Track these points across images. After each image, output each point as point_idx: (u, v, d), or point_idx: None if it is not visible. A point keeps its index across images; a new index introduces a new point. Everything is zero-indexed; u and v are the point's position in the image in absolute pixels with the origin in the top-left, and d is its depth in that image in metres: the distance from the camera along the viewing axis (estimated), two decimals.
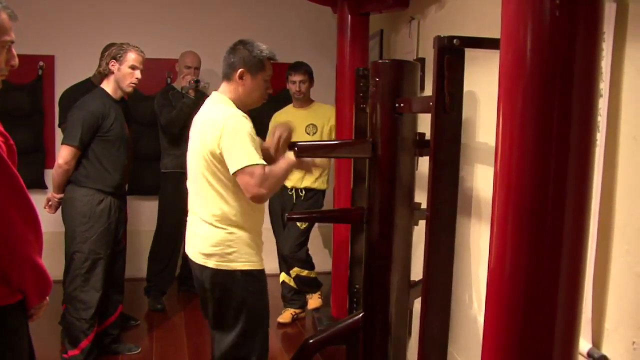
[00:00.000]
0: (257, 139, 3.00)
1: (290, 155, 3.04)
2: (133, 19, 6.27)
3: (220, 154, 2.90)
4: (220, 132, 2.88)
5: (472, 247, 3.31)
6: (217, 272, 3.04)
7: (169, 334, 5.08)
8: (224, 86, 3.11)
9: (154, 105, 5.53)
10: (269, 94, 3.21)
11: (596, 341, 2.22)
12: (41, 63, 6.14)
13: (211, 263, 3.04)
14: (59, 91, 5.91)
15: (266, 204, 5.49)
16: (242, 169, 2.85)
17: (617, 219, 2.12)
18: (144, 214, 6.37)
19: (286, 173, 3.06)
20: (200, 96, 5.31)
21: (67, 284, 4.19)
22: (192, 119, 3.03)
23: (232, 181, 2.94)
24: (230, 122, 2.89)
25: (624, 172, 2.10)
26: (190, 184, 3.15)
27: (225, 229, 3.01)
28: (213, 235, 3.03)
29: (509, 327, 1.74)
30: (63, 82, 5.85)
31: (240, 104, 3.07)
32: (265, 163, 2.91)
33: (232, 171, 2.88)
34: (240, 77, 3.05)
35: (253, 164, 2.85)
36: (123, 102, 4.45)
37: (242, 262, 3.02)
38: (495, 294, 1.78)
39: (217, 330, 3.17)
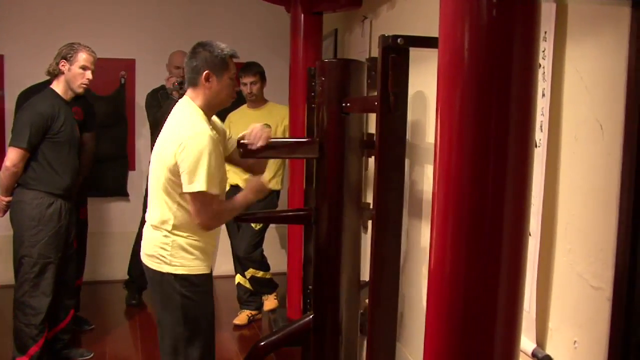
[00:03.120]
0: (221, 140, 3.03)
1: (251, 193, 3.16)
2: (87, 18, 6.16)
3: (176, 165, 2.88)
4: (179, 148, 2.86)
5: (424, 248, 3.30)
6: (154, 273, 3.06)
7: (123, 339, 5.03)
8: (191, 92, 3.05)
9: (107, 106, 5.46)
10: (236, 91, 3.20)
11: (540, 341, 2.22)
12: None
13: (150, 264, 3.07)
14: (9, 92, 5.82)
15: None
16: (195, 193, 2.86)
17: (560, 218, 2.13)
18: (104, 215, 6.32)
19: (241, 207, 3.19)
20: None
21: (16, 289, 4.11)
22: None
23: (181, 190, 2.92)
24: (192, 142, 2.86)
25: (566, 172, 2.10)
26: (149, 186, 3.14)
27: (162, 232, 3.01)
28: (152, 237, 3.06)
29: (449, 327, 1.72)
30: (13, 82, 5.76)
31: (209, 107, 3.05)
32: (217, 194, 2.95)
33: (184, 190, 2.89)
34: (207, 80, 2.99)
35: (207, 192, 2.86)
36: (84, 101, 4.48)
37: (175, 266, 3.00)
38: (435, 295, 1.76)
39: (160, 333, 3.16)
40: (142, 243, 3.14)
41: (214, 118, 3.20)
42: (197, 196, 2.88)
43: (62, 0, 6.16)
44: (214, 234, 3.13)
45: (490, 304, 1.68)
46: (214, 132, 2.99)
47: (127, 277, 5.84)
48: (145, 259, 3.11)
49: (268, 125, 5.11)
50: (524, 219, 1.69)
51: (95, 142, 5.12)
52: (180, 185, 2.90)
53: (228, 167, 5.17)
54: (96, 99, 5.84)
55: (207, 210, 2.92)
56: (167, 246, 3.00)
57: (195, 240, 3.01)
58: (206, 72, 2.98)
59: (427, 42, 2.50)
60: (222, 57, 3.01)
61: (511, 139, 1.61)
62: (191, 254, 3.01)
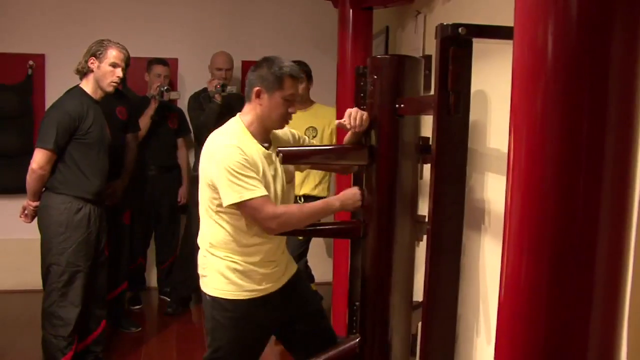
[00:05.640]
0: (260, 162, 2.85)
1: (335, 202, 2.96)
2: (128, 16, 5.99)
3: (211, 181, 2.81)
4: (209, 164, 2.81)
5: (483, 268, 2.98)
6: (201, 292, 3.03)
7: (158, 352, 4.78)
8: (245, 107, 2.96)
9: (147, 107, 5.26)
10: (292, 114, 2.96)
11: None
12: (31, 62, 5.86)
13: (200, 282, 3.03)
14: (49, 91, 5.68)
15: None
16: (238, 204, 2.74)
17: None
18: None
19: (317, 216, 2.96)
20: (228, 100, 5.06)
21: (44, 299, 3.92)
22: (218, 124, 2.99)
23: (217, 208, 2.84)
24: (218, 157, 2.78)
25: None
26: None
27: (202, 251, 2.97)
28: (199, 256, 3.02)
29: None
30: (54, 82, 5.63)
31: (259, 126, 2.91)
32: (265, 193, 2.77)
33: (225, 204, 2.77)
34: (257, 96, 2.87)
35: (248, 199, 2.73)
36: (128, 101, 4.60)
37: (211, 288, 2.93)
38: (508, 337, 1.44)
39: None
40: None
41: (278, 132, 3.07)
42: (236, 207, 2.78)
43: None
44: (262, 256, 2.92)
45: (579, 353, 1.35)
46: (262, 149, 2.89)
47: None
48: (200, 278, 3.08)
49: (314, 129, 4.90)
50: (622, 241, 1.35)
51: (137, 143, 4.93)
52: (215, 202, 2.84)
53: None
54: (136, 99, 5.66)
55: (257, 218, 2.78)
56: (206, 266, 2.95)
57: (233, 262, 2.87)
58: (257, 88, 2.86)
59: (493, 32, 2.18)
60: (278, 75, 2.85)
61: (608, 146, 1.29)
62: (226, 277, 2.88)
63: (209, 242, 2.90)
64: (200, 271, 2.99)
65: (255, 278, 2.91)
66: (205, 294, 2.95)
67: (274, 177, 2.91)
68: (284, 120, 2.93)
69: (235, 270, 2.87)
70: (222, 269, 2.88)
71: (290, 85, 2.88)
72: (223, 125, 2.97)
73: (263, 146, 2.89)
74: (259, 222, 2.79)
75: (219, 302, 2.90)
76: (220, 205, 2.80)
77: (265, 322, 3.01)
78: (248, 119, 2.90)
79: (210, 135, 2.95)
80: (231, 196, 2.72)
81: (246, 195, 2.71)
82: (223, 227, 2.85)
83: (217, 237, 2.87)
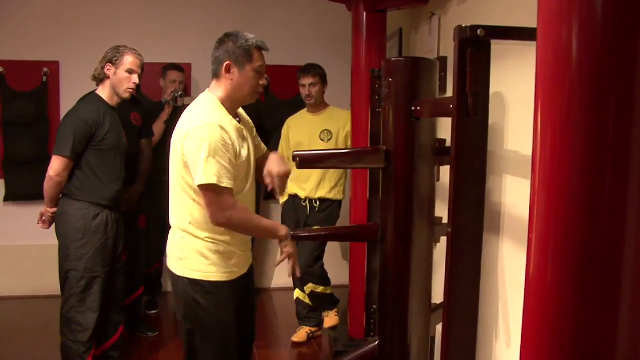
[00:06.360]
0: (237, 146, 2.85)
1: (282, 229, 3.04)
2: (141, 22, 6.01)
3: (184, 158, 2.79)
4: (185, 139, 2.76)
5: (502, 271, 2.96)
6: (171, 274, 2.98)
7: (175, 356, 4.78)
8: (213, 84, 2.94)
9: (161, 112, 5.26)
10: (262, 86, 3.00)
11: None
12: (45, 69, 5.90)
13: (169, 264, 2.99)
14: (64, 98, 5.72)
15: (279, 214, 5.24)
16: (202, 185, 2.73)
17: None
18: None
19: (262, 230, 3.08)
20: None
21: (62, 304, 3.92)
22: None
23: (194, 189, 2.80)
24: (197, 133, 2.73)
25: None
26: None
27: (179, 232, 2.92)
28: (171, 238, 2.99)
29: None
30: (68, 88, 5.70)
31: (230, 101, 2.91)
32: (230, 185, 2.76)
33: (197, 183, 2.75)
34: (227, 71, 2.86)
35: (212, 184, 2.72)
36: (141, 107, 4.56)
37: (190, 270, 2.88)
38: (534, 342, 1.43)
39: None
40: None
41: (241, 112, 3.06)
42: (202, 188, 2.74)
43: (117, 4, 6.01)
44: (240, 237, 2.95)
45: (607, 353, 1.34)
46: (235, 124, 2.89)
47: None
48: (167, 260, 3.02)
49: (329, 132, 4.88)
50: None
51: (151, 148, 4.93)
52: (191, 180, 2.79)
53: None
54: (150, 105, 5.67)
55: (215, 203, 2.76)
56: (183, 248, 2.90)
57: (213, 242, 2.86)
58: (227, 62, 2.86)
59: (513, 33, 2.16)
60: (246, 47, 2.86)
61: (634, 148, 1.27)
62: (207, 258, 2.87)
63: (188, 222, 2.86)
64: (174, 253, 2.94)
65: (233, 259, 2.92)
66: (181, 277, 2.90)
67: (248, 152, 2.92)
68: (255, 92, 2.94)
69: (216, 251, 2.86)
70: (203, 249, 2.86)
71: (259, 56, 2.90)
72: (196, 101, 2.95)
73: (235, 120, 2.90)
74: (211, 209, 2.76)
75: (200, 285, 2.87)
76: None
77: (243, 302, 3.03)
78: (219, 94, 2.89)
79: (186, 110, 2.93)
80: (200, 176, 2.69)
81: (212, 180, 2.69)
82: (202, 206, 2.81)
83: (197, 216, 2.84)
